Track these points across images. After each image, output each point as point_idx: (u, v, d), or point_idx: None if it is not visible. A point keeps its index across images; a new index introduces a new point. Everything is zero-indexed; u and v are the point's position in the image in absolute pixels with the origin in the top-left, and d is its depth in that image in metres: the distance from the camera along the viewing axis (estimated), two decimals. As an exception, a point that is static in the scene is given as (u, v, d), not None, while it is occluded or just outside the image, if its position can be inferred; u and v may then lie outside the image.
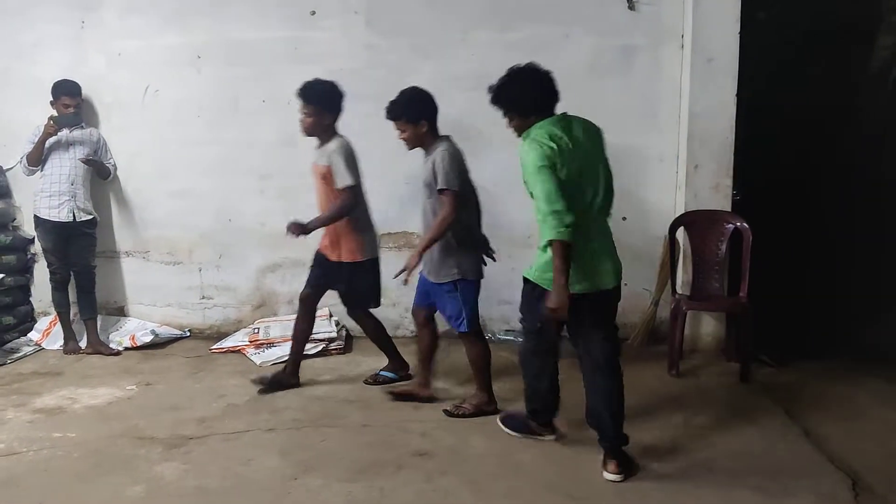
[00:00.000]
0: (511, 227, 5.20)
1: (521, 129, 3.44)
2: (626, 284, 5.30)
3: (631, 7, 5.15)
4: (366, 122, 5.14)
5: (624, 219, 5.29)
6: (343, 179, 4.17)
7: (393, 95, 5.11)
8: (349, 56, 5.19)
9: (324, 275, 4.43)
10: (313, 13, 5.17)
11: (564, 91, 5.19)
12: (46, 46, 5.40)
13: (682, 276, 5.12)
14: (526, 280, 3.54)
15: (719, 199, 5.07)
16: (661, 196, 5.31)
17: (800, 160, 5.77)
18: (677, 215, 5.09)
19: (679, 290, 5.01)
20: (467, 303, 4.02)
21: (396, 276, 3.84)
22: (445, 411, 4.07)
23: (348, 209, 4.22)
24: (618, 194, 5.26)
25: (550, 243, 3.16)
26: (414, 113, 3.95)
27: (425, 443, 3.73)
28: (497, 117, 5.00)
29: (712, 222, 4.95)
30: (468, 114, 5.08)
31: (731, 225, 4.85)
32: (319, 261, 4.45)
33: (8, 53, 5.41)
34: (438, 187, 3.81)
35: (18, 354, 5.20)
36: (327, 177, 4.21)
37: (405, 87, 3.99)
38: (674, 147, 5.26)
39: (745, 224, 4.77)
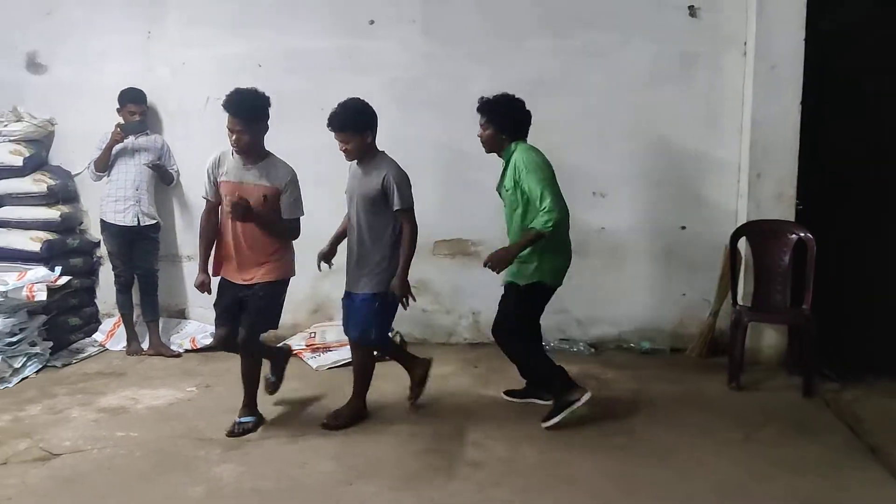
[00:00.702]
0: (572, 234, 5.13)
1: (490, 142, 4.11)
2: (684, 295, 5.30)
3: (692, 14, 5.08)
4: (423, 131, 5.20)
5: (683, 228, 5.23)
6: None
7: (449, 104, 5.19)
8: (406, 65, 5.23)
9: (234, 303, 3.92)
10: (371, 22, 5.23)
11: (624, 98, 5.21)
12: (114, 56, 5.57)
13: (744, 286, 5.00)
14: (515, 287, 4.10)
15: (782, 208, 4.94)
16: (722, 205, 5.21)
17: (864, 167, 5.58)
18: (739, 225, 4.98)
19: (740, 301, 4.90)
20: (385, 315, 4.05)
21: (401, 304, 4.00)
22: (323, 425, 4.01)
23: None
24: (677, 203, 5.25)
25: (538, 228, 3.82)
26: (360, 124, 3.88)
27: (477, 452, 3.71)
28: (556, 123, 5.04)
29: (775, 232, 4.83)
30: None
31: (794, 235, 4.72)
32: (225, 289, 3.96)
33: (77, 63, 5.60)
34: (398, 207, 3.87)
35: (83, 355, 5.36)
36: (270, 200, 3.85)
37: (347, 99, 3.91)
38: (735, 155, 5.15)
39: (809, 235, 4.65)
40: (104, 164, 5.21)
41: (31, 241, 5.27)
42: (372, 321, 3.97)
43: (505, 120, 4.06)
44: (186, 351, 5.39)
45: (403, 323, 5.43)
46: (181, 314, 5.85)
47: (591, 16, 5.10)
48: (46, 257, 5.25)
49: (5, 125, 5.42)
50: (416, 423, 4.08)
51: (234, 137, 3.73)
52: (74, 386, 4.71)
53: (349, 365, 4.91)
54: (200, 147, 5.60)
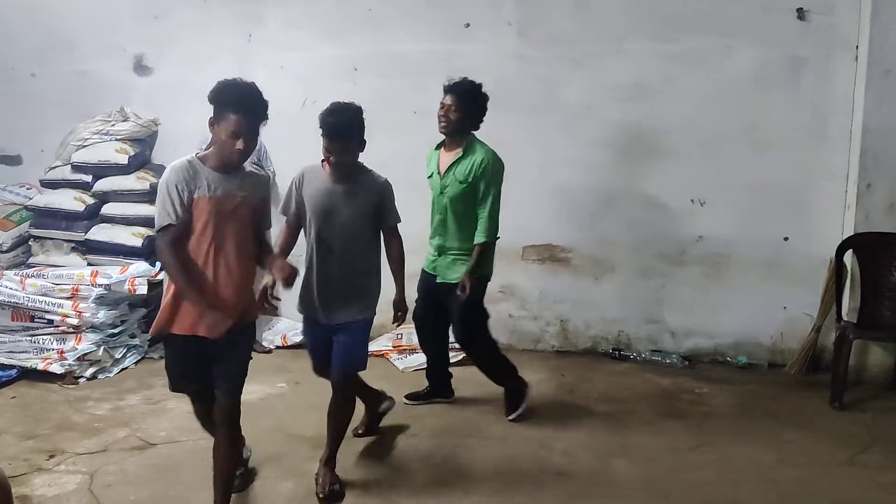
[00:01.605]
0: (664, 243, 5.04)
1: (455, 124, 3.97)
2: (784, 308, 5.09)
3: (800, 17, 4.86)
4: (517, 133, 5.14)
5: (786, 239, 5.02)
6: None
7: (542, 107, 5.12)
8: (500, 67, 5.18)
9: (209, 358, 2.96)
10: (467, 25, 5.21)
11: (727, 104, 5.03)
12: (216, 58, 5.71)
13: (849, 301, 4.75)
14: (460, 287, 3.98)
15: (894, 220, 4.68)
16: (828, 216, 4.96)
17: None
18: (846, 237, 4.74)
19: (845, 317, 4.66)
20: (367, 341, 3.58)
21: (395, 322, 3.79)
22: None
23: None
24: (780, 212, 5.04)
25: (487, 240, 3.98)
26: (362, 133, 3.30)
27: (566, 461, 3.64)
28: (654, 128, 4.92)
29: (886, 245, 4.59)
30: (625, 125, 4.98)
31: (907, 249, 4.47)
32: (201, 346, 2.92)
33: (181, 65, 5.77)
34: (396, 223, 3.54)
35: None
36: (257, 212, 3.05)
37: (341, 103, 3.28)
38: (843, 164, 4.91)
39: (923, 249, 4.39)
40: (204, 164, 5.35)
41: (133, 237, 5.46)
42: (366, 348, 3.54)
43: (473, 106, 4.00)
44: (277, 347, 5.48)
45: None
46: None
47: (694, 19, 4.93)
48: (147, 252, 5.42)
49: (112, 125, 5.64)
50: (504, 429, 4.03)
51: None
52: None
53: (436, 368, 4.94)
54: (297, 148, 5.71)
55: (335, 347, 3.38)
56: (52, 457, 3.61)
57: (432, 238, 4.20)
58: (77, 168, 5.60)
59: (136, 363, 5.07)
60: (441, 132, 4.07)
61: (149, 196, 5.58)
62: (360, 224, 3.37)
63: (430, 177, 4.17)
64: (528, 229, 5.24)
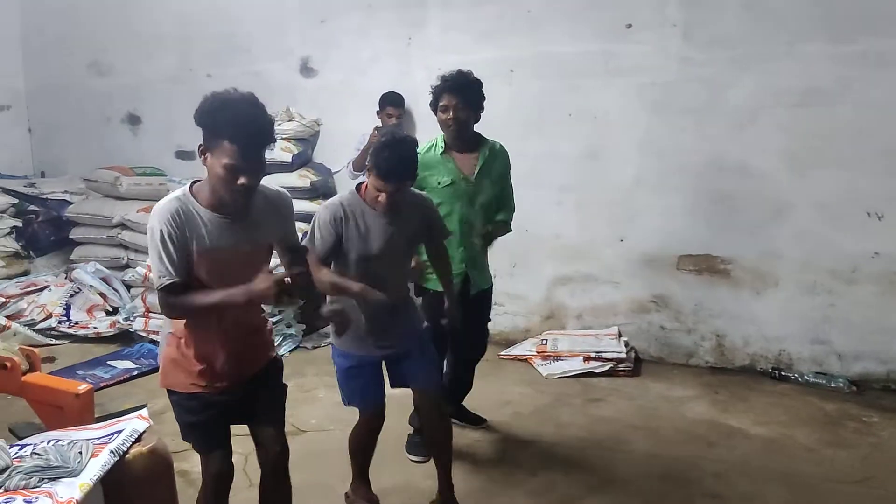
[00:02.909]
0: (835, 258, 4.67)
1: (461, 127, 3.50)
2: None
3: None
4: (678, 137, 4.96)
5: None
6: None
7: (706, 111, 4.90)
8: (661, 69, 5.00)
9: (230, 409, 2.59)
10: (629, 26, 5.06)
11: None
12: (377, 61, 5.88)
13: None
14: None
15: None
16: None
17: None
18: None
19: None
20: None
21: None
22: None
23: None
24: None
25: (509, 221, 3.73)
26: (416, 169, 3.01)
27: (719, 485, 3.45)
28: (828, 136, 4.58)
29: None
30: (795, 131, 4.68)
31: None
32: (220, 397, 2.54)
33: (347, 67, 5.98)
34: (443, 240, 3.25)
35: (329, 340, 5.68)
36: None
37: (395, 136, 2.95)
38: None
39: None
40: (361, 164, 5.50)
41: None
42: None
43: (480, 103, 3.55)
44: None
45: (639, 339, 5.22)
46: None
47: (878, 19, 4.52)
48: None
49: (279, 124, 5.92)
50: (654, 446, 3.88)
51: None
52: (322, 368, 5.01)
53: (580, 376, 4.84)
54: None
55: (412, 366, 3.09)
56: (211, 435, 3.81)
57: (458, 248, 3.57)
58: (244, 164, 5.92)
59: (290, 352, 5.29)
60: (452, 137, 3.56)
61: (309, 193, 5.83)
62: (409, 250, 3.17)
63: (450, 184, 3.52)
64: (685, 238, 5.03)
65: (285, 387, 2.70)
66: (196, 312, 2.36)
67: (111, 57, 7.05)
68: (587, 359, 4.92)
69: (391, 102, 5.46)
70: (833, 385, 4.63)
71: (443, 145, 3.58)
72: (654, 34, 4.99)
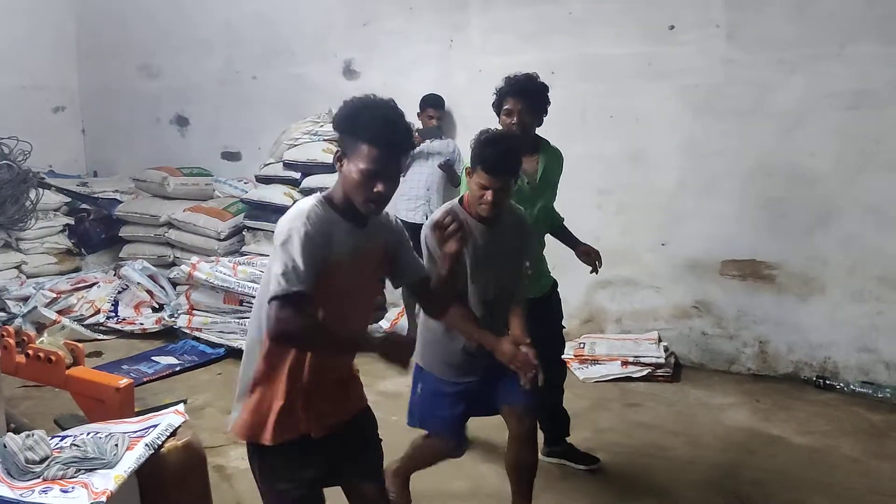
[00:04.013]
0: (885, 265, 4.54)
1: (522, 128, 3.31)
2: None
3: None
4: (723, 140, 4.89)
5: None
6: None
7: (751, 113, 4.81)
8: (705, 71, 4.93)
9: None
10: (671, 28, 5.00)
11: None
12: (419, 63, 5.92)
13: None
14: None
15: None
16: None
17: None
18: None
19: None
20: None
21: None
22: None
23: None
24: None
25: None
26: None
27: (757, 493, 3.39)
28: (880, 139, 4.46)
29: None
30: (845, 134, 4.57)
31: None
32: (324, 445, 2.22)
33: (389, 69, 6.02)
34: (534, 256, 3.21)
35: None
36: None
37: (496, 132, 2.89)
38: None
39: None
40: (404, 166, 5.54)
41: (334, 231, 5.77)
42: None
43: (544, 107, 3.40)
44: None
45: (680, 345, 5.14)
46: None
47: (931, 18, 4.41)
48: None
49: (321, 125, 5.99)
50: (693, 453, 3.81)
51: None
52: (363, 367, 5.04)
53: (619, 380, 4.79)
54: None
55: (503, 385, 2.85)
56: (248, 432, 3.86)
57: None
58: (288, 165, 6.01)
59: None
60: None
61: (350, 194, 5.88)
62: (513, 266, 2.91)
63: (519, 186, 3.28)
64: (730, 242, 4.94)
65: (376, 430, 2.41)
66: (316, 342, 2.09)
67: (161, 60, 7.23)
68: (625, 363, 4.87)
69: (432, 104, 5.49)
70: (880, 395, 4.50)
71: None
72: (698, 35, 4.92)
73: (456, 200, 2.88)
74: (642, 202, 5.17)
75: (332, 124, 2.28)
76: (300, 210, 2.09)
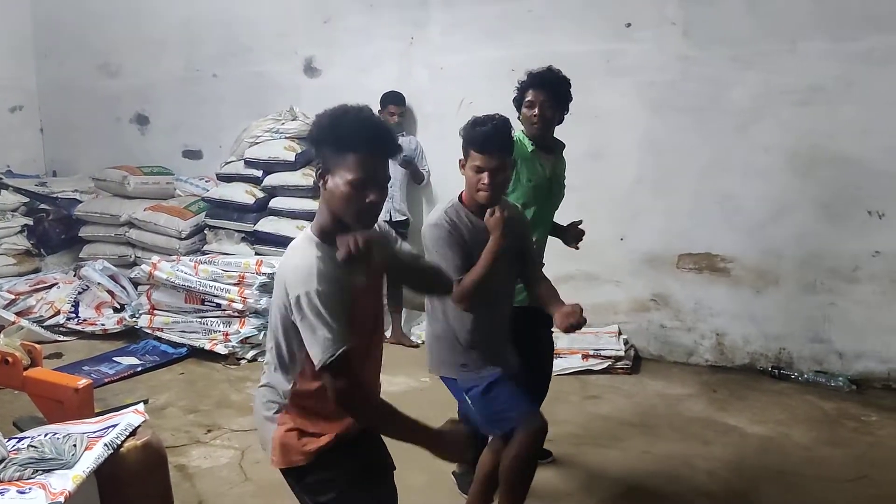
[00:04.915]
0: (836, 257, 4.66)
1: (545, 124, 3.25)
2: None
3: None
4: (679, 136, 4.97)
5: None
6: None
7: (707, 109, 4.90)
8: (662, 68, 5.01)
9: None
10: (629, 25, 5.07)
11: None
12: (380, 60, 5.93)
13: None
14: None
15: None
16: None
17: None
18: None
19: None
20: None
21: None
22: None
23: None
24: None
25: None
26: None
27: (712, 483, 3.46)
28: (832, 134, 4.57)
29: None
30: (797, 129, 4.67)
31: None
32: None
33: (350, 66, 6.03)
34: (539, 265, 3.18)
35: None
36: None
37: (483, 115, 2.74)
38: None
39: None
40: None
41: (297, 230, 5.73)
42: None
43: (566, 102, 3.31)
44: (424, 343, 5.58)
45: (639, 338, 5.23)
46: (422, 307, 6.07)
47: (882, 16, 4.50)
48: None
49: (282, 123, 5.98)
50: (648, 443, 3.89)
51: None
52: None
53: (579, 373, 4.86)
54: (452, 148, 5.79)
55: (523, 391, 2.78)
56: (209, 431, 3.88)
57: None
58: (249, 163, 5.99)
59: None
60: (535, 135, 3.28)
61: (313, 192, 5.88)
62: (511, 265, 2.81)
63: (540, 183, 3.29)
64: (686, 237, 5.04)
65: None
66: (382, 426, 2.10)
67: (120, 59, 7.16)
68: (585, 356, 4.94)
69: (392, 101, 5.51)
70: (833, 384, 4.63)
71: (528, 142, 3.30)
72: (654, 32, 5.00)
73: (456, 198, 2.83)
74: (602, 197, 5.22)
75: (308, 142, 2.21)
76: (308, 266, 1.91)
